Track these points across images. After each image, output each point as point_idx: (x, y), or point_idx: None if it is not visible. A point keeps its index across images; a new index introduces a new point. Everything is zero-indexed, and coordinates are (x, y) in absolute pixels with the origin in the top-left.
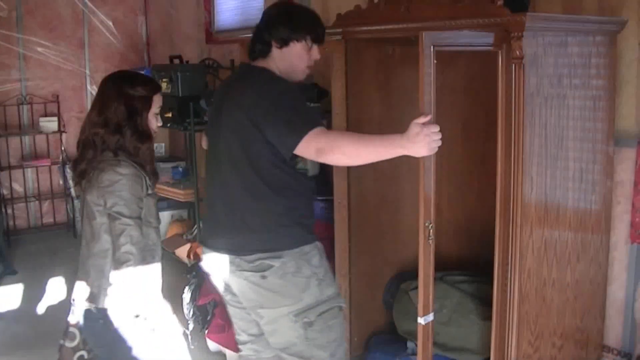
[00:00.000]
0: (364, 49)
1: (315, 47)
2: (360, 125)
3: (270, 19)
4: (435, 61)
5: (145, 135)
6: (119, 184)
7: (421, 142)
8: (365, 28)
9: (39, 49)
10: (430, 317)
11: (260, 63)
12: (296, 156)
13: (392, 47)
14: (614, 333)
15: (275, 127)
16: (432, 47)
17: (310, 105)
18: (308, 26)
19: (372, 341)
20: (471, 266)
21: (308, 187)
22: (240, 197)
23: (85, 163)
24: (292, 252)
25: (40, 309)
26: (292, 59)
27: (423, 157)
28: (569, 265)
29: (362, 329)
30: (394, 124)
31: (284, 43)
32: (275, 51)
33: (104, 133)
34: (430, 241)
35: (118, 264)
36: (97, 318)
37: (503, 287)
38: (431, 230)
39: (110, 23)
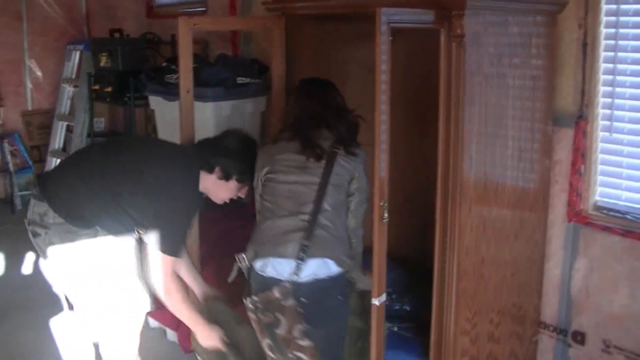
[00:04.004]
0: (304, 25)
1: (246, 187)
2: None
3: (228, 149)
4: (391, 38)
5: None
6: None
7: (201, 339)
8: (305, 4)
9: None
10: (383, 297)
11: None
12: None
13: (332, 23)
14: (550, 310)
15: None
16: (387, 23)
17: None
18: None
19: None
20: (410, 247)
21: None
22: None
23: None
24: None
25: None
26: (222, 190)
27: (379, 141)
28: (507, 243)
29: None
30: None
31: (225, 177)
32: (213, 177)
33: None
34: (385, 221)
35: None
36: None
37: (442, 265)
38: (385, 210)
39: None
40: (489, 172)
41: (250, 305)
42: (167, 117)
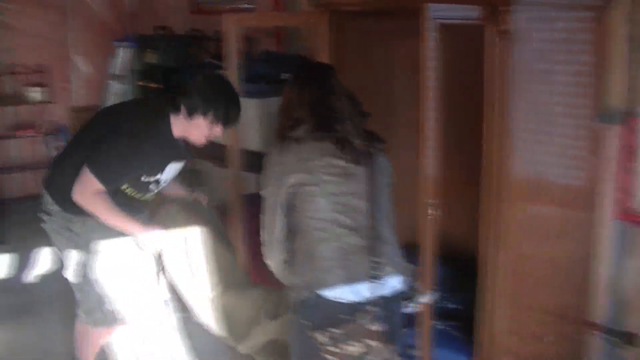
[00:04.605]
0: (348, 21)
1: (219, 126)
2: None
3: (192, 87)
4: (438, 34)
5: None
6: None
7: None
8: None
9: (20, 18)
10: (432, 295)
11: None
12: None
13: (376, 19)
14: (599, 310)
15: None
16: (434, 19)
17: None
18: (219, 104)
19: None
20: (458, 245)
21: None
22: None
23: None
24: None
25: (30, 278)
26: (193, 130)
27: (427, 138)
28: (553, 241)
29: None
30: (378, 97)
31: (189, 114)
32: (182, 118)
33: None
34: (433, 218)
35: None
36: None
37: (488, 263)
38: (434, 208)
39: None
40: (535, 170)
41: (325, 339)
42: None
